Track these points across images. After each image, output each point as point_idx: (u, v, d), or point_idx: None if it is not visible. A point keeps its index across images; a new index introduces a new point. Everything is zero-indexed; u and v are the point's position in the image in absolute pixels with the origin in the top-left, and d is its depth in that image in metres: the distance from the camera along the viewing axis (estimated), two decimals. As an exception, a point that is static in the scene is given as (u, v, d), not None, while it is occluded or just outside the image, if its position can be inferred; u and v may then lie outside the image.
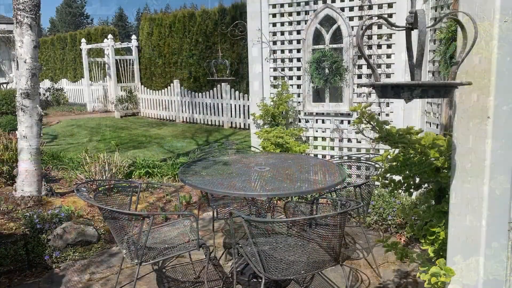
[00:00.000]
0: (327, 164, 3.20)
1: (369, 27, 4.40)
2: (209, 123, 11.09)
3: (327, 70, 4.58)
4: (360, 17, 4.48)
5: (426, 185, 2.07)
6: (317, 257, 2.38)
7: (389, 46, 4.41)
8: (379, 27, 4.38)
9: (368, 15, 4.34)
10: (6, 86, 14.72)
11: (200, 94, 11.27)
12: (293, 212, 3.32)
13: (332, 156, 4.80)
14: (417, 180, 2.04)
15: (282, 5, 4.86)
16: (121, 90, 13.15)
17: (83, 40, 13.96)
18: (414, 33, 1.57)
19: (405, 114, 4.32)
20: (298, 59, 4.87)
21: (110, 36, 13.12)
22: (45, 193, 4.56)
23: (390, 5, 4.32)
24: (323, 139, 4.90)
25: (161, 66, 13.55)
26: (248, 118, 9.76)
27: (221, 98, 10.68)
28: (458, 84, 1.43)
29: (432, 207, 2.01)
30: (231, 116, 10.57)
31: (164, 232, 3.03)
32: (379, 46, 4.44)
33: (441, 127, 3.73)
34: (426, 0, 3.98)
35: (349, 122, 4.71)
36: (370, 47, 4.48)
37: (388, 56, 4.43)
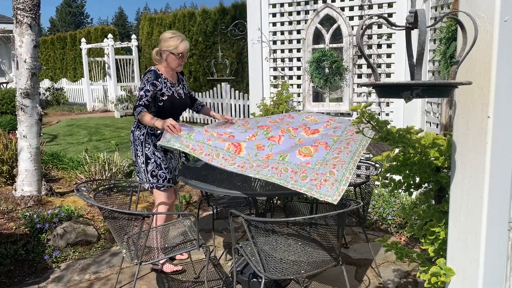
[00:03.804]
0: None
1: (369, 26, 4.40)
2: (209, 122, 11.10)
3: (327, 70, 4.58)
4: (360, 17, 4.48)
5: (426, 184, 2.07)
6: (317, 257, 2.38)
7: (389, 46, 4.40)
8: (379, 26, 4.38)
9: (368, 15, 4.34)
10: (6, 86, 14.71)
11: (200, 93, 11.27)
12: (293, 212, 3.32)
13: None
14: (417, 179, 2.04)
15: (282, 5, 4.86)
16: (121, 90, 13.14)
17: (83, 39, 13.95)
18: (414, 33, 1.57)
19: (405, 114, 4.32)
20: (298, 59, 4.87)
21: (110, 35, 13.11)
22: (45, 192, 4.56)
23: (390, 5, 4.31)
24: (323, 138, 4.89)
25: (161, 65, 13.55)
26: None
27: (221, 97, 10.68)
28: (458, 83, 1.43)
29: (432, 206, 2.01)
30: (231, 116, 10.57)
31: (164, 232, 3.03)
32: (379, 46, 4.44)
33: (441, 127, 3.73)
34: (426, 0, 3.98)
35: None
36: (370, 46, 4.48)
37: (388, 55, 4.43)
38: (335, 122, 2.82)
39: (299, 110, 4.90)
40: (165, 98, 3.09)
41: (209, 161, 2.46)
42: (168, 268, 3.18)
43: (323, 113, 4.83)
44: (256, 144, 2.50)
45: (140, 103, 2.98)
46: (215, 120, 3.47)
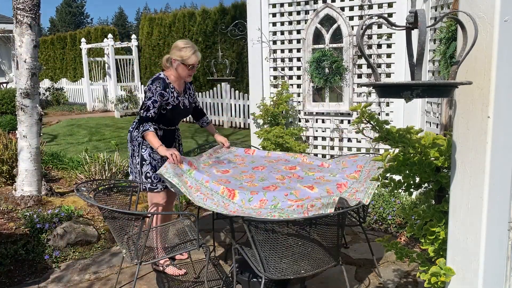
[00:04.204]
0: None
1: (369, 26, 4.40)
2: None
3: (327, 70, 4.58)
4: (360, 17, 4.48)
5: (426, 184, 2.07)
6: (317, 257, 2.37)
7: (389, 46, 4.40)
8: (379, 26, 4.38)
9: (368, 15, 4.34)
10: (6, 86, 14.71)
11: (200, 93, 11.27)
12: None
13: (332, 156, 4.80)
14: (417, 179, 2.04)
15: (282, 5, 4.86)
16: (121, 90, 13.14)
17: (83, 39, 13.94)
18: (414, 33, 1.57)
19: (405, 114, 4.32)
20: (298, 59, 4.87)
21: (110, 35, 13.11)
22: (45, 192, 4.56)
23: (390, 5, 4.32)
24: (323, 138, 4.90)
25: (161, 66, 13.53)
26: (248, 118, 9.76)
27: (221, 97, 10.68)
28: (458, 83, 1.43)
29: (432, 206, 2.01)
30: (231, 116, 10.57)
31: (164, 232, 3.03)
32: (379, 46, 4.44)
33: (441, 127, 3.73)
34: (426, 0, 3.98)
35: (349, 121, 4.71)
36: (370, 46, 4.48)
37: (388, 55, 4.43)
38: (327, 174, 2.84)
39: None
40: (169, 107, 3.05)
41: (204, 200, 2.52)
42: (171, 270, 3.17)
43: (323, 113, 4.83)
44: (250, 190, 2.54)
45: (148, 115, 2.93)
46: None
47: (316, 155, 4.90)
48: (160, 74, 3.06)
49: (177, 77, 3.09)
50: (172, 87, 3.07)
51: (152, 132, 2.91)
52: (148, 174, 3.08)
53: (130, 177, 3.23)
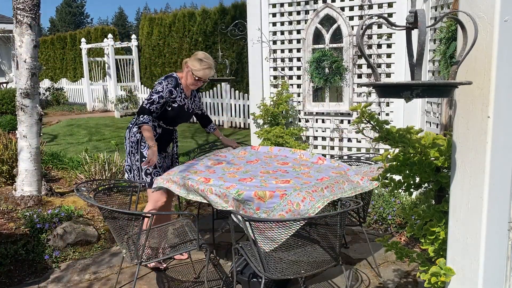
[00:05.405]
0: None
1: (369, 26, 4.40)
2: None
3: (327, 70, 4.58)
4: (360, 17, 4.48)
5: (426, 184, 2.07)
6: (317, 256, 2.38)
7: (389, 46, 4.40)
8: (379, 26, 4.38)
9: (368, 15, 4.34)
10: (6, 86, 14.71)
11: (199, 94, 11.25)
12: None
13: (332, 156, 4.80)
14: (417, 179, 2.04)
15: (282, 5, 4.86)
16: (121, 90, 13.13)
17: (83, 39, 13.93)
18: (414, 33, 1.57)
19: (405, 114, 4.32)
20: (298, 59, 4.87)
21: (110, 35, 13.10)
22: (45, 192, 4.56)
23: (390, 5, 4.32)
24: (323, 138, 4.90)
25: (161, 65, 13.54)
26: (248, 118, 9.76)
27: (221, 97, 10.67)
28: (458, 83, 1.43)
29: (432, 206, 2.01)
30: (231, 116, 10.57)
31: (163, 232, 3.03)
32: (379, 46, 4.44)
33: (441, 127, 3.73)
34: (426, 0, 3.98)
35: (349, 121, 4.71)
36: (370, 46, 4.48)
37: (388, 55, 4.43)
38: (313, 171, 2.94)
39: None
40: (175, 105, 3.14)
41: (178, 189, 2.81)
42: (152, 264, 3.20)
43: (323, 113, 4.83)
44: (224, 180, 2.69)
45: (150, 108, 3.01)
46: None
47: (316, 155, 4.90)
48: (173, 74, 3.20)
49: (186, 80, 3.22)
50: (181, 88, 3.20)
51: (150, 126, 3.01)
52: (148, 171, 3.12)
53: (126, 175, 3.26)
